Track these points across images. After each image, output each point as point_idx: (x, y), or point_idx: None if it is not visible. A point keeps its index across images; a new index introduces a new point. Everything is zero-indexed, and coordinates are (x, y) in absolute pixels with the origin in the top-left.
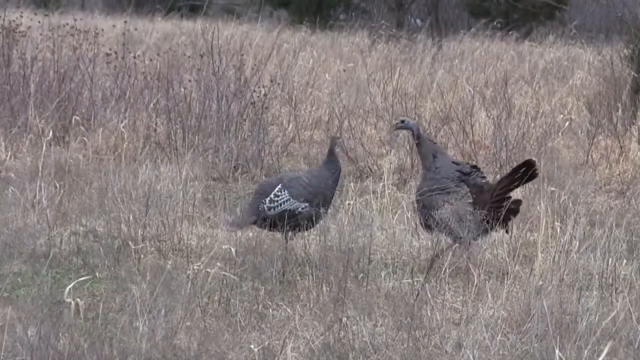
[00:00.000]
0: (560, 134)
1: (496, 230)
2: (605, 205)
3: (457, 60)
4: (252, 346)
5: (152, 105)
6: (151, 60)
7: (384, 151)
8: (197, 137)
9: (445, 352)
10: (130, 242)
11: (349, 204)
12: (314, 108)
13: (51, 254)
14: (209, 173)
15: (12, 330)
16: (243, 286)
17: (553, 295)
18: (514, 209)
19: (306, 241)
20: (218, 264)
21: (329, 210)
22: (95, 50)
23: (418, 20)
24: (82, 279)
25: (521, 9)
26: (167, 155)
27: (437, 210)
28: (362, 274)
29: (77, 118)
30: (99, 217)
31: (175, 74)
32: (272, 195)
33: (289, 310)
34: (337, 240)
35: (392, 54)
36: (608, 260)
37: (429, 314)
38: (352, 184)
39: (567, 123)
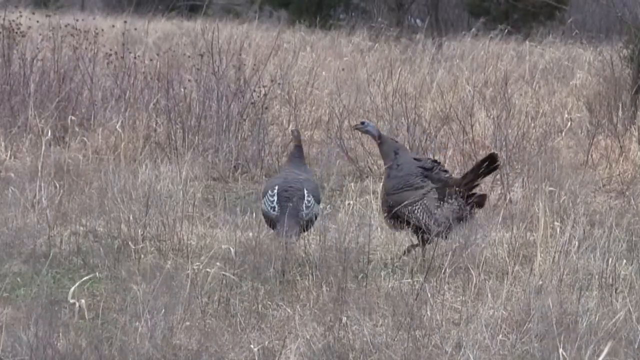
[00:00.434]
0: (560, 134)
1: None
2: (605, 205)
3: (457, 60)
4: (252, 346)
5: (152, 105)
6: (151, 60)
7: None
8: (197, 137)
9: (445, 352)
10: (130, 242)
11: (349, 204)
12: (314, 108)
13: (51, 254)
14: (209, 173)
15: (11, 330)
16: (243, 286)
17: (553, 295)
18: (479, 202)
19: (306, 241)
20: (218, 263)
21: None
22: (95, 50)
23: (418, 20)
24: (85, 278)
25: (521, 9)
26: (167, 155)
27: (408, 207)
28: (361, 274)
29: (77, 118)
30: (99, 217)
31: (175, 74)
32: (306, 202)
33: (289, 310)
34: (337, 240)
35: (392, 54)
36: (608, 260)
37: (429, 314)
38: (352, 184)
39: (568, 123)
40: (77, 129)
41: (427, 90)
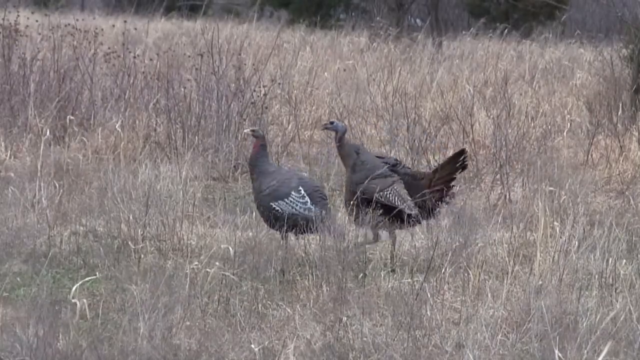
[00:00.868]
0: (560, 133)
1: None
2: (605, 205)
3: (457, 60)
4: (252, 346)
5: (152, 105)
6: (151, 60)
7: (384, 151)
8: (197, 137)
9: (445, 351)
10: (130, 242)
11: None
12: (314, 108)
13: (51, 254)
14: (208, 173)
15: (11, 330)
16: (243, 286)
17: (553, 295)
18: (448, 200)
19: (306, 241)
20: (217, 263)
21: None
22: (95, 50)
23: (418, 20)
24: (86, 279)
25: (521, 9)
26: (167, 155)
27: (381, 192)
28: (361, 274)
29: (77, 118)
30: (99, 217)
31: (175, 73)
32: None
33: (289, 310)
34: (336, 240)
35: (392, 53)
36: (608, 260)
37: (429, 314)
38: None
39: (568, 123)
40: (76, 129)
41: (427, 90)
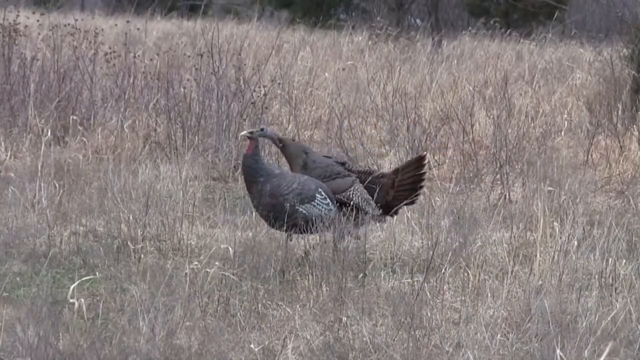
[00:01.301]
0: (560, 133)
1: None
2: (604, 205)
3: (456, 60)
4: (252, 346)
5: (152, 105)
6: (151, 60)
7: (384, 151)
8: (197, 137)
9: (445, 351)
10: (130, 242)
11: None
12: (314, 108)
13: (51, 254)
14: (209, 173)
15: (11, 330)
16: (243, 286)
17: (553, 295)
18: (412, 202)
19: (306, 241)
20: (217, 263)
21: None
22: (95, 50)
23: (418, 20)
24: (85, 278)
25: (521, 9)
26: (167, 155)
27: (344, 193)
28: (361, 274)
29: (77, 118)
30: (99, 217)
31: (175, 73)
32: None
33: (289, 310)
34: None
35: (392, 54)
36: (608, 260)
37: (429, 314)
38: None
39: (568, 123)
40: (77, 129)
41: (427, 90)
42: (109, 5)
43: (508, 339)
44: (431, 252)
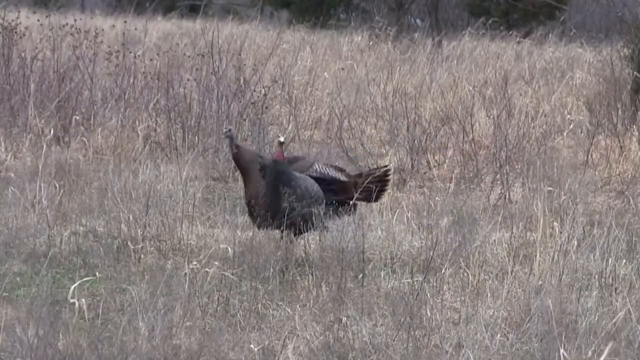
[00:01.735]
0: (560, 133)
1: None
2: (604, 205)
3: (456, 60)
4: (252, 346)
5: (152, 105)
6: (151, 60)
7: (384, 151)
8: (197, 137)
9: (445, 352)
10: (130, 242)
11: None
12: (314, 108)
13: (51, 254)
14: (209, 173)
15: (11, 330)
16: (242, 286)
17: (553, 295)
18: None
19: (306, 241)
20: (217, 263)
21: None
22: (95, 50)
23: (418, 20)
24: (85, 279)
25: (521, 9)
26: (167, 155)
27: (312, 168)
28: (361, 274)
29: (77, 118)
30: (99, 217)
31: (175, 74)
32: None
33: (288, 310)
34: (337, 240)
35: (392, 53)
36: (607, 260)
37: (429, 314)
38: None
39: (568, 123)
40: (77, 129)
41: (427, 90)
42: (109, 5)
43: (508, 339)
44: (431, 252)
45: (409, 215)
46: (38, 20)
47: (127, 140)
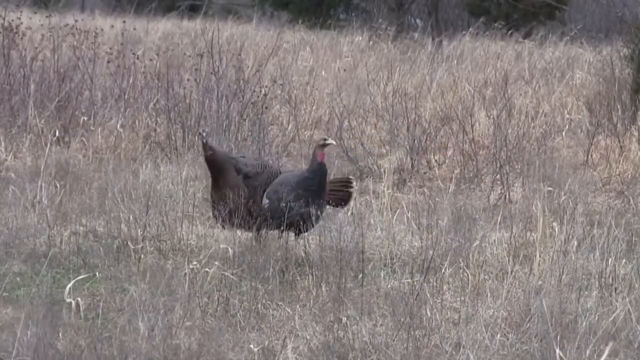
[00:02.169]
0: (560, 133)
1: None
2: (604, 205)
3: (456, 60)
4: (252, 346)
5: (152, 105)
6: (151, 60)
7: (384, 151)
8: (197, 137)
9: (445, 351)
10: (130, 242)
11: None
12: (314, 108)
13: (51, 254)
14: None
15: (11, 330)
16: (242, 286)
17: (552, 295)
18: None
19: (306, 241)
20: (217, 263)
21: (301, 210)
22: (95, 50)
23: (418, 20)
24: (81, 277)
25: (521, 9)
26: (167, 155)
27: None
28: (361, 274)
29: (77, 118)
30: (99, 217)
31: (175, 73)
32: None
33: (288, 310)
34: (336, 240)
35: (392, 53)
36: (607, 260)
37: (429, 314)
38: None
39: (568, 123)
40: (78, 129)
41: (427, 90)
42: (109, 5)
43: (508, 339)
44: (431, 252)
45: (409, 215)
46: (39, 21)
47: (127, 140)
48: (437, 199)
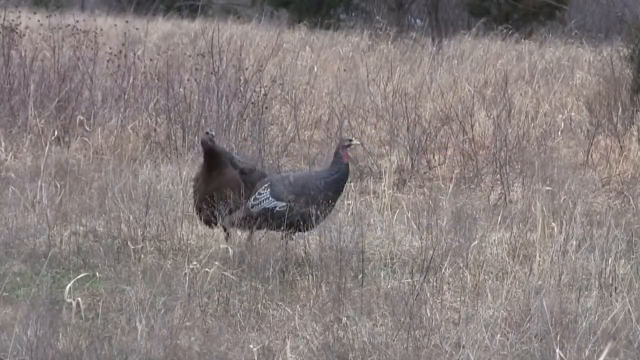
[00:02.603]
0: (560, 133)
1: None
2: (604, 205)
3: (456, 60)
4: (251, 346)
5: (152, 105)
6: (151, 60)
7: (384, 151)
8: (197, 137)
9: (444, 351)
10: (130, 242)
11: (348, 204)
12: (314, 108)
13: (51, 254)
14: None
15: (11, 330)
16: (242, 286)
17: (552, 295)
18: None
19: (306, 241)
20: (217, 263)
21: (326, 212)
22: (95, 50)
23: (418, 20)
24: (81, 277)
25: (521, 9)
26: (167, 155)
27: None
28: (361, 274)
29: (78, 118)
30: (99, 217)
31: (175, 73)
32: (256, 194)
33: (288, 310)
34: (336, 240)
35: (392, 53)
36: (607, 260)
37: (429, 314)
38: (352, 184)
39: (568, 123)
40: (79, 129)
41: (427, 90)
42: (109, 5)
43: (508, 339)
44: (431, 252)
45: (409, 215)
46: (39, 21)
47: (127, 140)
48: (437, 199)
